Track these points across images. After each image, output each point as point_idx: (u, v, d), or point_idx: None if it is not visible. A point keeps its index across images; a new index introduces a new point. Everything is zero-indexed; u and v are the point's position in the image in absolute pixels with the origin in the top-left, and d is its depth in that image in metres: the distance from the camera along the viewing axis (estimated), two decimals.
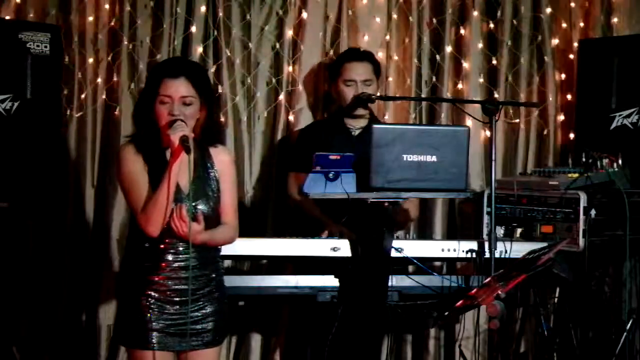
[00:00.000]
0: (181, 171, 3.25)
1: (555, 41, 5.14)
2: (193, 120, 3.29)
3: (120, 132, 4.71)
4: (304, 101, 4.93)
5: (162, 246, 3.29)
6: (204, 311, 3.34)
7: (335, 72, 4.53)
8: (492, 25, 5.10)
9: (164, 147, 3.29)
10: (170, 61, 3.79)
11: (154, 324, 3.28)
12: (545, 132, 5.14)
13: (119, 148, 3.41)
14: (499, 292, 3.42)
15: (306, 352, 4.43)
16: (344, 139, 4.43)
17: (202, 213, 3.29)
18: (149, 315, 3.28)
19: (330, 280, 3.99)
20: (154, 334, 3.28)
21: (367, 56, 4.54)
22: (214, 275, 3.38)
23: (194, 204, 3.28)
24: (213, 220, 3.37)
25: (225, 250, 3.51)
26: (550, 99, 5.13)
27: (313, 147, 4.16)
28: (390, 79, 5.00)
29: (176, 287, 3.30)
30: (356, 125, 4.49)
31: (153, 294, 3.29)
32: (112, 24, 4.79)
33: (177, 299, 3.30)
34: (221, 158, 3.45)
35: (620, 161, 4.47)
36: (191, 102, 3.28)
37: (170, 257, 3.30)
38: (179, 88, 3.27)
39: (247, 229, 4.73)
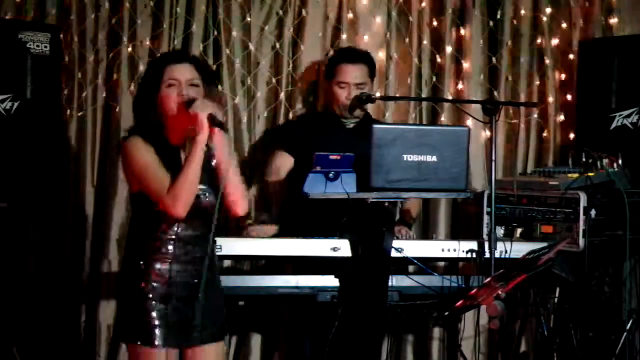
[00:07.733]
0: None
1: (555, 41, 5.15)
2: None
3: (120, 132, 4.70)
4: (304, 101, 4.93)
5: (165, 240, 3.26)
6: (207, 305, 3.30)
7: (330, 72, 4.47)
8: (492, 25, 5.10)
9: (170, 138, 3.24)
10: (171, 51, 3.82)
11: (158, 320, 3.25)
12: (545, 132, 5.14)
13: (124, 143, 3.26)
14: (499, 292, 3.42)
15: (306, 353, 4.42)
16: (339, 131, 4.42)
17: (214, 204, 3.23)
18: (153, 311, 3.25)
19: (330, 280, 4.00)
20: (158, 329, 3.25)
21: (362, 57, 4.47)
22: (213, 270, 3.35)
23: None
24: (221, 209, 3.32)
25: (226, 250, 3.50)
26: (550, 99, 5.13)
27: (308, 133, 4.31)
28: (390, 79, 5.01)
29: (180, 281, 3.28)
30: (350, 120, 4.48)
31: (156, 286, 3.25)
32: (112, 24, 4.79)
33: (182, 294, 3.28)
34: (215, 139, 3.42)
35: (620, 161, 4.47)
36: (197, 84, 3.25)
37: (174, 250, 3.26)
38: (185, 72, 3.24)
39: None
